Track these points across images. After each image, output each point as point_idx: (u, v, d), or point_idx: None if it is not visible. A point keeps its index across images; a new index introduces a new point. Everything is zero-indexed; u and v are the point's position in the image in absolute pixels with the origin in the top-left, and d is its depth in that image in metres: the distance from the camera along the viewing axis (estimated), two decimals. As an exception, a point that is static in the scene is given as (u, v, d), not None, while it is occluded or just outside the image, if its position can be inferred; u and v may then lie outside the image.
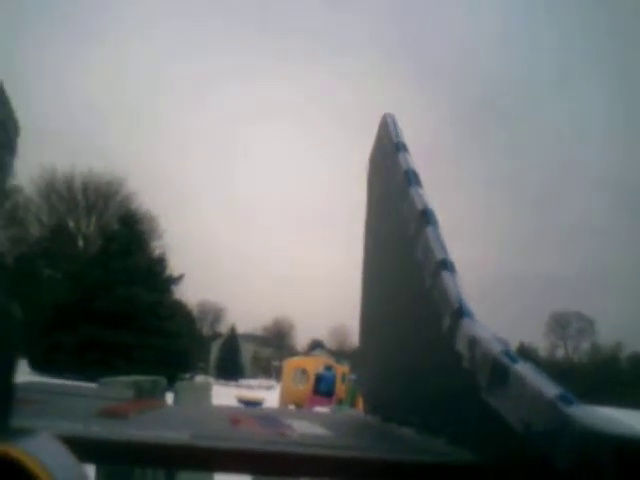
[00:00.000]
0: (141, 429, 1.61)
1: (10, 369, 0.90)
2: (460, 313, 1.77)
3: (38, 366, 27.94)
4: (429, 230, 2.07)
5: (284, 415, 2.31)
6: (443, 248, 2.02)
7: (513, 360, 1.53)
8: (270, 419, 2.11)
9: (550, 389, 1.31)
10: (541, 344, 64.79)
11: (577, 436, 1.17)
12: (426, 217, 2.13)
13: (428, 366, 2.01)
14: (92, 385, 5.27)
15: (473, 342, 1.69)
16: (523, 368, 1.46)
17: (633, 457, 1.02)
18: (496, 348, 1.57)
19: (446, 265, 1.94)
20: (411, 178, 2.33)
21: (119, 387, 3.99)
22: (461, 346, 1.77)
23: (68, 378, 22.49)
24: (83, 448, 1.33)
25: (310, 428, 1.95)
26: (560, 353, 64.88)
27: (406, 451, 1.70)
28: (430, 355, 1.98)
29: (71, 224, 41.76)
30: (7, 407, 0.88)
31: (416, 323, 2.13)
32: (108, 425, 1.65)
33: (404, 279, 2.36)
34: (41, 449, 0.85)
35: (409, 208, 2.27)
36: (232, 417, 2.03)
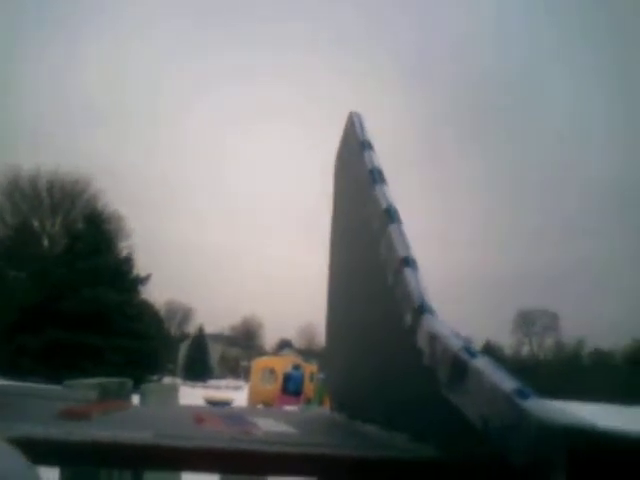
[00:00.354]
0: (104, 429, 1.60)
1: None
2: (421, 310, 1.79)
3: (2, 370, 27.39)
4: (392, 228, 2.09)
5: (249, 413, 2.31)
6: (406, 245, 2.05)
7: (472, 355, 1.55)
8: (235, 417, 2.11)
9: (508, 383, 1.34)
10: (508, 342, 65.70)
11: (531, 429, 1.19)
12: (390, 215, 2.15)
13: (391, 363, 2.03)
14: (57, 388, 5.20)
15: (434, 338, 1.71)
16: (482, 363, 1.49)
17: (583, 447, 1.05)
18: (456, 344, 1.60)
19: (408, 262, 1.96)
20: (376, 176, 2.35)
21: (83, 389, 3.95)
22: (422, 343, 1.80)
23: (34, 382, 22.08)
24: (43, 450, 1.32)
25: (276, 426, 1.96)
26: (525, 350, 65.93)
27: (370, 447, 1.72)
28: (393, 352, 2.00)
29: (35, 223, 41.00)
30: None
31: (379, 321, 2.15)
32: (70, 426, 1.63)
33: (368, 277, 2.38)
34: None
35: (373, 206, 2.29)
36: (196, 416, 2.02)
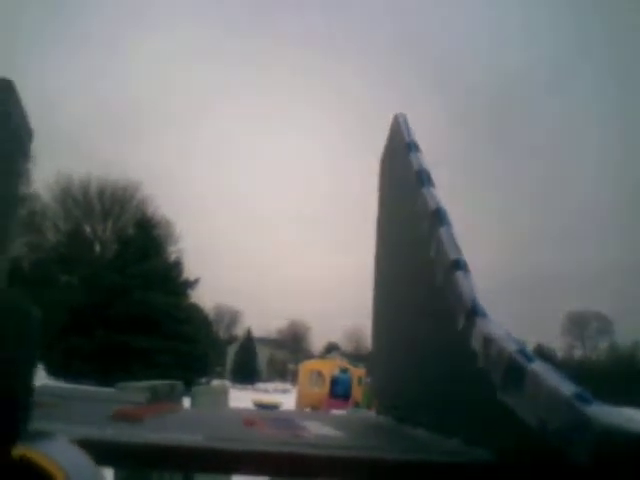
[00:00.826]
0: (156, 432, 1.62)
1: (30, 372, 0.91)
2: (474, 312, 1.76)
3: (55, 372, 28.15)
4: (442, 230, 2.06)
5: (298, 417, 2.30)
6: (456, 248, 2.01)
7: (529, 359, 1.51)
8: (284, 421, 2.11)
9: (567, 388, 1.30)
10: (559, 345, 64.20)
11: (596, 434, 1.15)
12: (439, 217, 2.12)
13: (442, 365, 2.00)
14: (108, 389, 5.31)
15: (488, 341, 1.68)
16: (539, 367, 1.45)
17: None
18: (511, 347, 1.56)
19: (459, 265, 1.93)
20: (423, 178, 2.33)
21: (135, 391, 4.01)
22: (476, 345, 1.76)
23: (85, 383, 22.64)
24: (99, 451, 1.34)
25: (324, 429, 1.94)
26: (578, 353, 64.32)
27: (421, 451, 1.69)
28: (444, 354, 1.97)
29: (87, 229, 42.09)
30: (26, 410, 0.89)
31: (429, 322, 2.12)
32: (124, 428, 1.65)
33: (417, 279, 2.35)
34: (58, 452, 0.86)
35: (422, 208, 2.26)
36: (246, 419, 2.03)
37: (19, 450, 0.80)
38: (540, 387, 1.37)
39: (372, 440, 2.13)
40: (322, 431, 1.92)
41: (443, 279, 1.97)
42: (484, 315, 1.73)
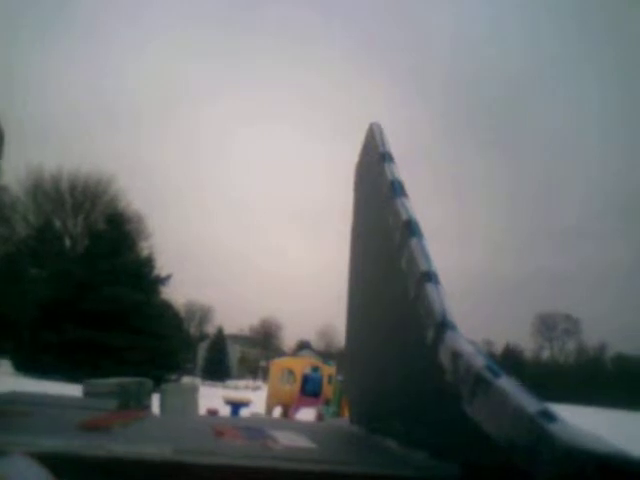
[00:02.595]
0: (124, 443, 1.60)
1: None
2: (444, 326, 1.78)
3: (23, 366, 27.72)
4: (413, 241, 2.08)
5: (268, 426, 2.30)
6: (427, 259, 2.03)
7: (496, 374, 1.53)
8: (254, 430, 2.11)
9: (532, 404, 1.32)
10: (528, 345, 65.06)
11: (558, 453, 1.17)
12: (411, 228, 2.14)
13: (412, 378, 2.02)
14: (78, 386, 5.25)
15: (456, 355, 1.69)
16: (505, 382, 1.47)
17: (613, 475, 1.03)
18: (479, 362, 1.58)
19: (430, 277, 1.95)
20: (396, 188, 2.34)
21: (105, 392, 3.96)
22: (444, 359, 1.78)
23: (53, 379, 22.32)
24: (64, 465, 1.32)
25: (294, 440, 1.95)
26: (546, 354, 65.23)
27: (388, 464, 1.70)
28: (414, 367, 1.99)
29: (58, 223, 41.48)
30: None
31: (400, 334, 2.13)
32: (91, 439, 1.64)
33: (389, 289, 2.37)
34: (13, 469, 0.84)
35: (394, 218, 2.27)
36: (216, 429, 2.02)
37: None
38: (505, 403, 1.39)
39: (342, 452, 2.14)
40: (293, 442, 1.93)
41: (414, 290, 1.98)
42: (453, 329, 1.75)
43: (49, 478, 0.92)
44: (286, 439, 1.94)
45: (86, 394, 4.79)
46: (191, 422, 2.76)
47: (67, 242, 41.42)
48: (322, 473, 1.53)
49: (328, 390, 18.21)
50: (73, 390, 5.85)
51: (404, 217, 2.21)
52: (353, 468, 1.64)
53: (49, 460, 0.96)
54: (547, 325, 64.59)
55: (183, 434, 2.15)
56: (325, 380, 18.71)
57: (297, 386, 18.63)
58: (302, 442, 1.94)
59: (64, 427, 1.84)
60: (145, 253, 36.59)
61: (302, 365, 19.65)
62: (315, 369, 19.56)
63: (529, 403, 1.32)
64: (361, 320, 2.94)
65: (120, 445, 1.56)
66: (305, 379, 18.79)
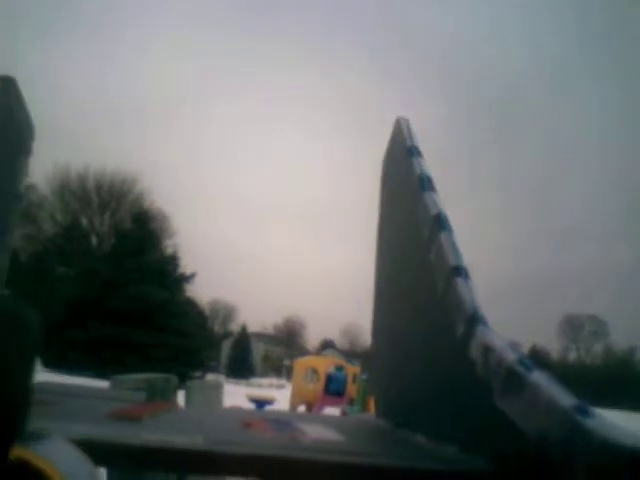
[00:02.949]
0: (154, 432, 1.62)
1: (29, 374, 0.91)
2: (474, 320, 1.77)
3: (52, 363, 28.13)
4: (443, 236, 2.07)
5: (296, 419, 2.31)
6: (457, 254, 2.02)
7: (528, 368, 1.52)
8: (282, 423, 2.11)
9: (566, 399, 1.30)
10: (554, 346, 64.26)
11: (593, 447, 1.16)
12: (440, 222, 2.12)
13: (440, 372, 2.00)
14: (105, 383, 5.32)
15: (487, 349, 1.68)
16: (538, 377, 1.45)
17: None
18: (511, 356, 1.56)
19: (460, 271, 1.93)
20: (425, 183, 2.33)
21: (131, 388, 4.00)
22: (475, 353, 1.77)
23: (81, 375, 22.64)
24: (97, 451, 1.34)
25: (322, 433, 1.95)
26: (572, 356, 64.41)
27: (418, 458, 1.69)
28: (442, 361, 1.97)
29: (84, 222, 42.01)
30: (25, 412, 0.89)
31: (429, 328, 2.12)
32: (122, 428, 1.66)
33: (417, 284, 2.36)
34: (56, 453, 0.86)
35: (423, 213, 2.26)
36: (244, 421, 2.03)
37: (16, 451, 0.80)
38: (539, 397, 1.38)
39: (370, 445, 2.13)
40: (321, 435, 1.93)
41: (443, 286, 1.97)
42: (484, 324, 1.74)
43: (88, 462, 0.93)
44: (314, 432, 1.94)
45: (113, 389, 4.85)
46: (219, 414, 2.77)
47: (93, 240, 41.93)
48: (351, 464, 1.53)
49: (352, 389, 18.19)
50: (100, 386, 5.92)
51: (433, 211, 2.20)
52: (382, 460, 1.63)
53: (83, 446, 0.97)
54: (573, 327, 63.76)
55: (212, 425, 2.16)
56: (349, 379, 18.69)
57: (321, 385, 18.63)
58: (330, 435, 1.94)
59: (95, 416, 1.87)
60: (169, 251, 36.89)
61: (326, 364, 19.65)
62: (339, 368, 19.54)
63: (563, 397, 1.31)
64: (388, 314, 2.93)
65: (152, 434, 1.57)
66: (329, 378, 18.78)
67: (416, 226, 2.36)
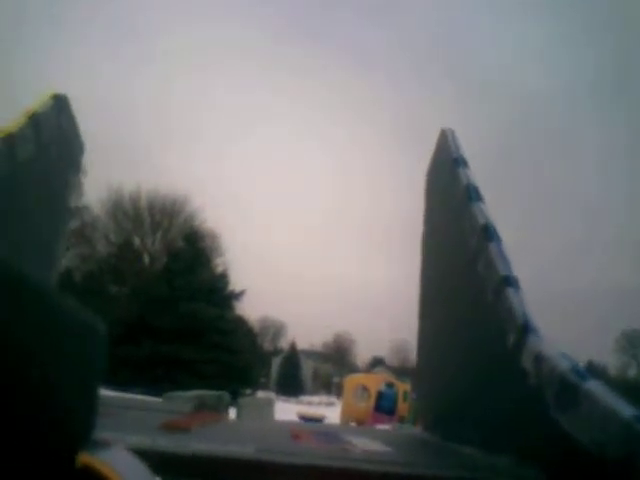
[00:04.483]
0: (205, 442, 1.64)
1: (96, 385, 0.95)
2: (526, 329, 1.73)
3: (104, 381, 28.72)
4: (492, 246, 2.04)
5: (343, 431, 2.29)
6: (506, 264, 1.99)
7: (583, 378, 1.47)
8: (330, 435, 2.10)
9: (624, 409, 1.26)
10: (612, 362, 62.20)
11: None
12: (488, 233, 2.10)
13: (491, 382, 1.97)
14: (157, 400, 5.40)
15: (540, 358, 1.64)
16: (594, 386, 1.41)
17: None
18: (564, 365, 1.52)
19: (510, 281, 1.90)
20: (472, 193, 2.31)
21: (183, 401, 4.05)
22: (527, 362, 1.73)
23: (133, 392, 23.04)
24: (152, 461, 1.36)
25: (370, 445, 1.93)
26: (632, 372, 62.19)
27: (470, 469, 1.66)
28: (493, 371, 1.94)
29: (137, 242, 42.97)
30: (92, 420, 0.92)
31: (478, 339, 2.09)
32: (174, 438, 1.68)
33: (465, 294, 2.33)
34: (118, 460, 0.89)
35: (471, 223, 2.24)
36: (293, 432, 2.03)
37: (83, 458, 0.83)
38: (595, 407, 1.34)
39: (419, 457, 2.11)
40: (369, 446, 1.91)
41: (493, 295, 1.94)
42: (536, 333, 1.70)
43: (147, 471, 0.96)
44: (362, 443, 1.93)
45: (166, 406, 4.93)
46: (268, 426, 2.78)
47: (146, 259, 42.79)
48: (403, 475, 1.51)
49: (403, 407, 17.98)
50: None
51: (481, 221, 2.18)
52: (433, 471, 1.61)
53: (139, 455, 0.99)
54: (632, 342, 61.64)
55: (261, 436, 2.17)
56: (400, 397, 18.49)
57: (371, 403, 18.49)
58: (377, 447, 1.93)
59: (147, 427, 1.90)
60: (220, 269, 37.33)
61: (376, 382, 19.50)
62: (390, 386, 19.36)
63: (622, 408, 1.27)
64: (435, 324, 2.89)
65: (202, 444, 1.59)
66: (379, 396, 18.62)
67: (463, 236, 2.34)
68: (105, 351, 0.96)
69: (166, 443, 1.53)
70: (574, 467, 1.42)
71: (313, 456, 1.58)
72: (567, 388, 1.41)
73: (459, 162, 2.55)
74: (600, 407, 1.26)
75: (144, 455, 1.26)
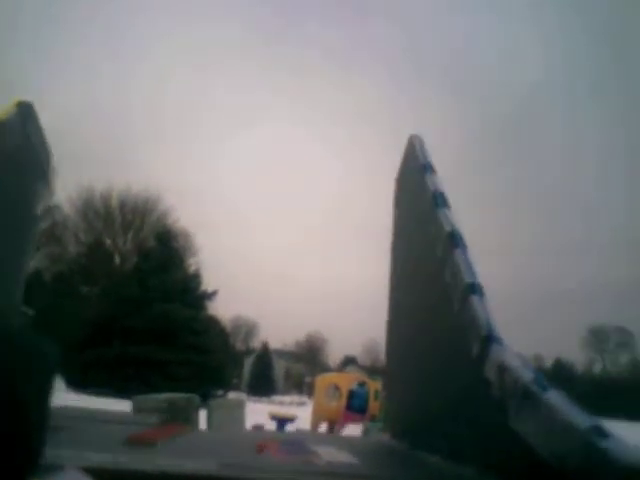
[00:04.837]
0: (170, 458, 1.61)
1: (45, 408, 0.92)
2: (489, 339, 1.74)
3: (75, 382, 28.31)
4: (457, 253, 2.05)
5: (310, 441, 2.28)
6: (472, 271, 2.00)
7: (544, 388, 1.49)
8: (296, 445, 2.09)
9: (582, 420, 1.27)
10: (579, 359, 63.23)
11: (612, 470, 1.12)
12: (454, 239, 2.11)
13: (456, 393, 1.97)
14: (128, 402, 5.33)
15: (502, 369, 1.65)
16: (555, 397, 1.42)
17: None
18: (526, 376, 1.53)
19: (474, 289, 1.91)
20: (439, 200, 2.32)
21: (153, 408, 4.00)
22: (490, 373, 1.74)
23: (104, 395, 22.73)
24: (111, 479, 1.33)
25: (336, 455, 1.93)
26: (598, 368, 63.31)
27: (434, 481, 1.67)
28: (458, 381, 1.94)
29: (108, 241, 42.46)
30: (40, 445, 0.89)
31: (443, 347, 2.10)
32: (137, 454, 1.65)
33: (432, 301, 2.34)
34: None
35: (437, 230, 2.25)
36: (258, 444, 2.02)
37: None
38: (555, 418, 1.35)
39: (385, 468, 2.10)
40: (335, 457, 1.90)
41: (458, 304, 1.95)
42: (499, 342, 1.71)
43: None
44: (328, 454, 1.92)
45: (136, 409, 4.87)
46: (233, 437, 2.76)
47: (117, 259, 42.30)
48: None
49: (374, 406, 18.02)
50: (123, 405, 5.95)
51: (447, 228, 2.18)
52: (397, 484, 1.61)
53: (98, 475, 0.97)
54: (599, 338, 62.74)
55: (225, 449, 2.15)
56: (371, 396, 18.54)
57: (343, 402, 18.49)
58: (344, 457, 1.92)
59: (111, 442, 1.87)
60: (192, 269, 37.06)
61: (348, 381, 19.50)
62: (361, 384, 19.38)
63: (580, 419, 1.28)
64: (402, 333, 2.90)
65: (166, 460, 1.57)
66: (351, 395, 18.62)
67: (430, 243, 2.35)
68: (53, 370, 0.93)
69: (128, 460, 1.51)
70: (535, 477, 1.43)
71: (277, 471, 1.56)
72: (528, 399, 1.42)
73: (427, 168, 2.56)
74: (559, 418, 1.27)
75: (103, 474, 1.23)
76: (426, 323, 2.34)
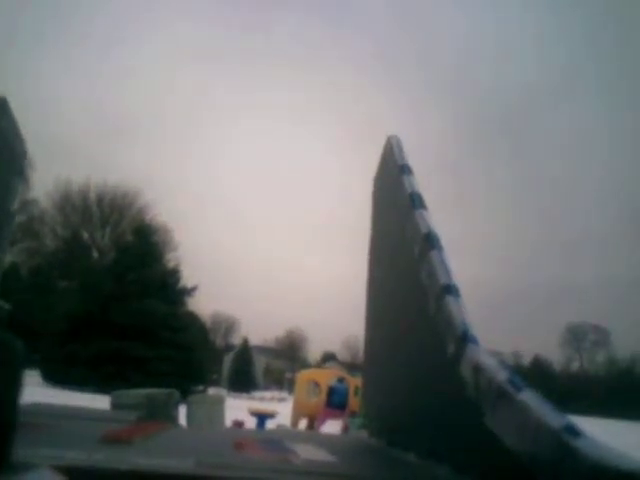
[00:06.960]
0: (145, 456, 1.61)
1: (13, 405, 0.91)
2: (464, 339, 1.76)
3: (52, 378, 28.01)
4: (433, 254, 2.07)
5: (288, 438, 2.29)
6: (447, 272, 2.02)
7: (518, 388, 1.51)
8: (274, 443, 2.10)
9: (556, 419, 1.30)
10: (557, 357, 64.01)
11: (583, 469, 1.15)
12: (430, 241, 2.13)
13: (433, 392, 2.00)
14: (107, 398, 5.30)
15: (478, 369, 1.68)
16: (528, 396, 1.45)
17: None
18: (501, 375, 1.56)
19: (450, 290, 1.94)
20: (415, 201, 2.34)
21: (132, 403, 3.98)
22: (466, 372, 1.76)
23: (82, 390, 22.54)
24: (85, 478, 1.33)
25: (314, 454, 1.94)
26: (575, 366, 64.18)
27: (408, 479, 1.69)
28: (435, 381, 1.97)
29: (86, 236, 42.09)
30: (8, 443, 0.88)
31: (420, 347, 2.12)
32: (112, 452, 1.65)
33: (408, 302, 2.36)
34: None
35: (413, 231, 2.27)
36: (236, 442, 2.02)
37: None
38: (528, 417, 1.37)
39: (361, 466, 2.12)
40: (312, 455, 1.92)
41: (434, 304, 1.97)
42: (475, 342, 1.74)
43: None
44: (306, 452, 1.93)
45: (114, 405, 4.84)
46: (211, 435, 2.76)
47: (95, 254, 41.95)
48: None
49: (354, 402, 18.08)
50: (102, 401, 5.91)
51: (423, 230, 2.20)
52: (373, 483, 1.63)
53: (72, 473, 0.97)
54: (576, 336, 63.57)
55: (203, 447, 2.15)
56: (351, 391, 18.59)
57: (322, 398, 18.52)
58: (322, 456, 1.94)
59: (86, 440, 1.86)
60: (171, 265, 36.85)
61: (327, 377, 19.53)
62: (341, 380, 19.42)
63: (553, 418, 1.30)
64: (379, 333, 2.92)
65: (142, 458, 1.57)
66: (331, 391, 18.66)
67: (407, 244, 2.37)
68: (21, 369, 0.93)
69: (103, 457, 1.50)
70: (509, 476, 1.45)
71: (254, 469, 1.57)
72: (502, 398, 1.45)
73: (404, 170, 2.58)
74: (532, 417, 1.30)
75: (76, 472, 1.23)
76: (403, 323, 2.36)
